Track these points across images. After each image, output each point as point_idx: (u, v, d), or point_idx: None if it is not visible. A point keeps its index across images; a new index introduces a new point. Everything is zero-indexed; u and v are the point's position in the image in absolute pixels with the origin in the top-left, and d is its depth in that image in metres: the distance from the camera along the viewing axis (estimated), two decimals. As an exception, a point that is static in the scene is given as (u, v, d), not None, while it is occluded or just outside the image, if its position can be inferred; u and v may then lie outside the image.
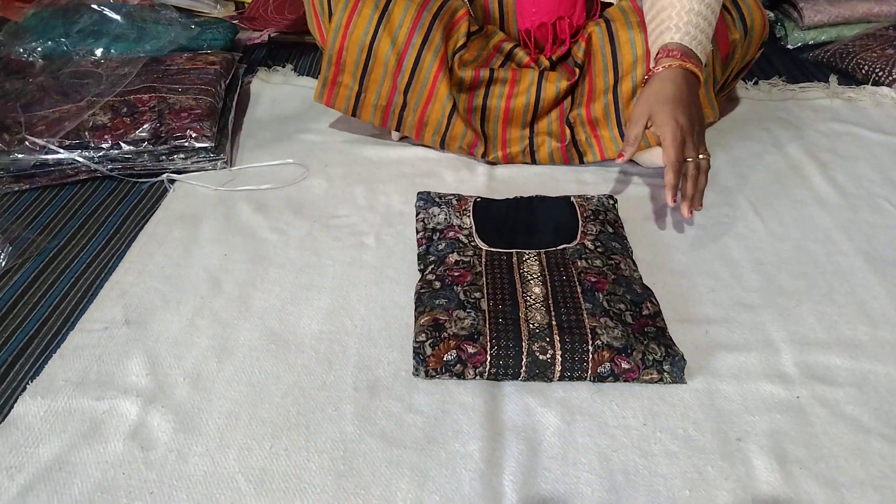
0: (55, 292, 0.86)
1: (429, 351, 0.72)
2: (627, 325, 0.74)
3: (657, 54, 0.91)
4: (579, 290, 0.78)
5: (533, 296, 0.77)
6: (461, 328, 0.74)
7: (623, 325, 0.74)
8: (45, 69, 1.19)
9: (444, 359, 0.72)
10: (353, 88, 1.05)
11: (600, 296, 0.77)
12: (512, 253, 0.84)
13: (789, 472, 0.64)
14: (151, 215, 0.99)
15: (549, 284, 0.79)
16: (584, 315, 0.74)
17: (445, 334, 0.73)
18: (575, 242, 0.85)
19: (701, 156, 0.88)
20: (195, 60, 1.23)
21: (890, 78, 1.29)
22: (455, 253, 0.84)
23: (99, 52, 1.26)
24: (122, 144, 1.05)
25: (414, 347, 0.73)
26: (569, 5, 1.07)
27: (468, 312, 0.75)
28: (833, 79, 1.33)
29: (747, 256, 0.90)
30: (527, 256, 0.83)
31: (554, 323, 0.74)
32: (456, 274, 0.81)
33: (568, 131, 1.06)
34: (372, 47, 1.02)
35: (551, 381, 0.72)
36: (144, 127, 1.06)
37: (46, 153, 1.03)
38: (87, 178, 1.07)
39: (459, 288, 0.78)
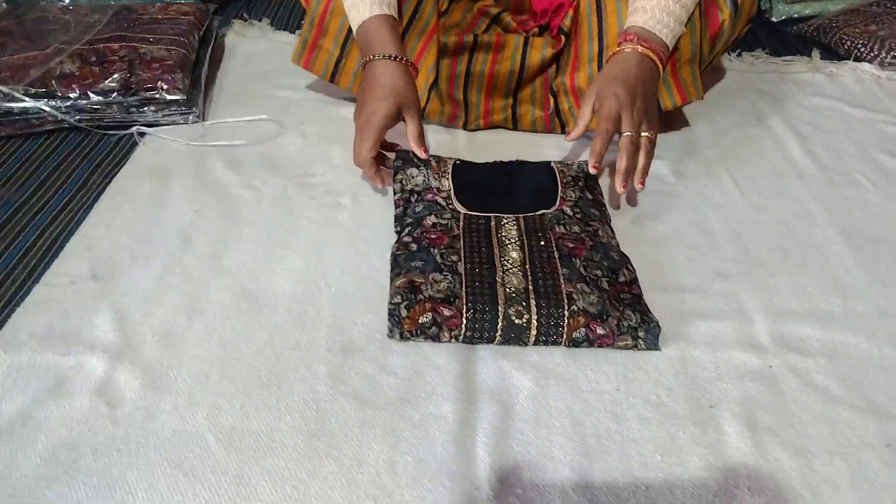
0: (19, 245, 0.83)
1: (404, 313, 0.71)
2: (604, 290, 0.74)
3: (619, 37, 0.90)
4: (556, 256, 0.77)
5: (510, 260, 0.77)
6: (437, 291, 0.73)
7: (599, 290, 0.73)
8: (9, 14, 1.15)
9: (420, 321, 0.71)
10: (333, 53, 1.02)
11: (577, 261, 0.76)
12: (490, 217, 0.83)
13: (759, 439, 0.65)
14: (120, 169, 0.97)
15: (526, 249, 0.78)
16: (561, 280, 0.74)
17: (421, 296, 0.72)
18: (554, 208, 0.84)
19: (643, 133, 0.84)
20: (168, 10, 1.19)
21: (871, 54, 1.29)
22: (433, 215, 0.83)
23: (67, -2, 1.22)
24: (91, 94, 1.01)
25: (389, 309, 0.72)
26: None
27: (444, 275, 0.74)
28: (816, 53, 1.33)
29: (725, 227, 0.90)
30: (505, 221, 0.82)
31: (530, 287, 0.73)
32: (433, 236, 0.79)
33: (552, 100, 1.05)
34: None
35: (526, 345, 0.72)
36: (114, 77, 1.02)
37: (10, 101, 0.99)
38: (53, 129, 1.03)
39: (436, 251, 0.77)
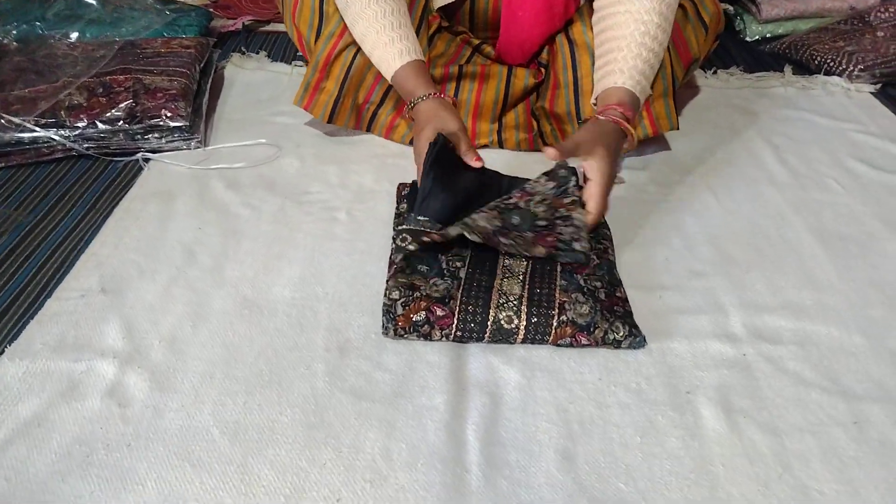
0: (32, 263, 0.88)
1: (399, 310, 0.75)
2: (598, 300, 0.77)
3: (609, 101, 0.89)
4: (559, 270, 0.80)
5: (513, 266, 0.80)
6: (434, 291, 0.77)
7: (594, 300, 0.77)
8: (20, 51, 1.21)
9: (413, 319, 0.75)
10: (333, 94, 1.07)
11: (579, 277, 0.80)
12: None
13: (734, 420, 0.69)
14: (127, 192, 1.01)
15: (530, 264, 0.81)
16: (557, 289, 0.78)
17: (417, 294, 0.76)
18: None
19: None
20: (170, 44, 1.25)
21: (840, 68, 1.36)
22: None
23: (74, 35, 1.28)
24: (98, 123, 1.07)
25: (385, 305, 0.76)
26: (555, 22, 1.07)
27: (445, 279, 0.78)
28: (788, 69, 1.39)
29: (701, 230, 0.95)
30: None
31: (525, 295, 0.77)
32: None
33: (534, 123, 1.11)
34: (358, 53, 1.05)
35: (513, 343, 0.76)
36: (120, 106, 1.08)
37: (22, 131, 1.05)
38: (62, 157, 1.09)
39: (443, 257, 0.81)
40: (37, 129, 1.05)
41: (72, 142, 1.06)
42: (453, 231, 0.78)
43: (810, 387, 0.72)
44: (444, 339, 0.76)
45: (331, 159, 1.09)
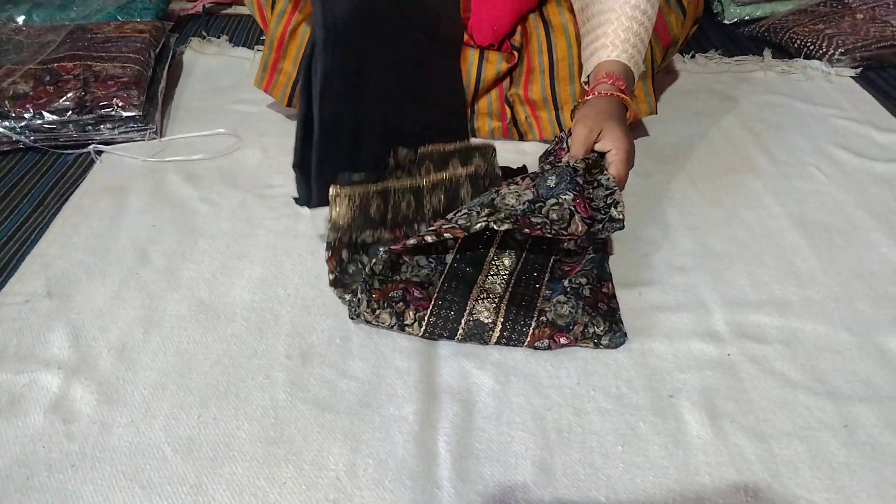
0: (-28, 265, 0.82)
1: (377, 284, 0.72)
2: (581, 297, 0.74)
3: (598, 75, 0.85)
4: (546, 279, 0.77)
5: (501, 266, 0.77)
6: (415, 275, 0.73)
7: (577, 298, 0.73)
8: (-40, 37, 1.13)
9: (390, 294, 0.72)
10: (291, 75, 1.02)
11: (565, 282, 0.76)
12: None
13: (720, 426, 0.65)
14: (77, 187, 0.96)
15: (521, 261, 0.78)
16: (539, 299, 0.74)
17: (398, 276, 0.73)
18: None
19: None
20: (123, 29, 1.18)
21: (821, 51, 1.32)
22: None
23: (20, 19, 1.21)
24: (45, 114, 1.01)
25: (364, 276, 0.72)
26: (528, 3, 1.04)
27: (429, 262, 0.75)
28: (767, 52, 1.35)
29: (681, 222, 0.91)
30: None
31: (507, 296, 0.73)
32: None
33: (508, 110, 1.06)
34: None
35: (487, 344, 0.72)
36: (68, 95, 1.01)
37: (-38, 123, 0.98)
38: (8, 150, 1.02)
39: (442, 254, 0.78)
40: (-21, 120, 0.99)
41: (17, 134, 1.00)
42: (477, 223, 0.71)
43: (797, 388, 0.69)
44: (416, 323, 0.71)
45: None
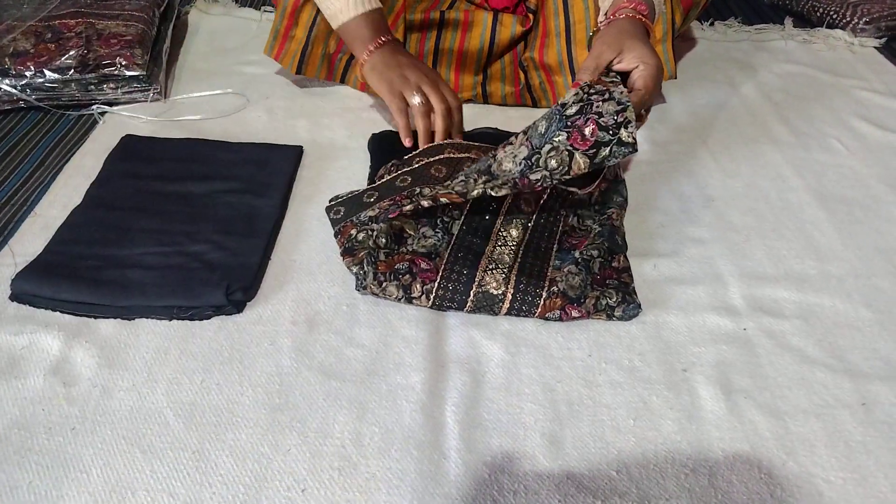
0: (-29, 225, 0.80)
1: (382, 257, 0.71)
2: (591, 273, 0.72)
3: (620, 2, 0.81)
4: (555, 249, 0.75)
5: (508, 237, 0.75)
6: (422, 246, 0.72)
7: (587, 272, 0.71)
8: (-40, -9, 1.11)
9: (396, 266, 0.70)
10: (301, 42, 0.99)
11: (576, 253, 0.74)
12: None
13: (734, 401, 0.64)
14: (79, 147, 0.93)
15: (528, 231, 0.76)
16: (549, 268, 0.72)
17: (404, 249, 0.72)
18: (588, 189, 0.77)
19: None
20: (127, -14, 1.15)
21: (844, 21, 1.28)
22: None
23: (21, -25, 1.17)
24: (47, 72, 0.98)
25: (367, 251, 0.71)
26: None
27: (436, 232, 0.73)
28: (788, 21, 1.32)
29: (698, 193, 0.89)
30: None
31: (516, 265, 0.72)
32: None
33: (522, 75, 1.03)
34: None
35: (497, 315, 0.70)
36: (71, 53, 0.99)
37: (-38, 80, 0.96)
38: (9, 109, 1.00)
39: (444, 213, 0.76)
40: (-21, 77, 0.97)
41: (20, 91, 0.98)
42: (474, 190, 0.69)
43: (814, 365, 0.67)
44: (424, 296, 0.70)
45: (301, 112, 1.02)
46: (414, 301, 0.70)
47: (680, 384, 0.65)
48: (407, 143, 0.89)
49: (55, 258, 0.73)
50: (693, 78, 1.14)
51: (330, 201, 0.82)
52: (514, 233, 0.75)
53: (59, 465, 0.57)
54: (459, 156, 0.82)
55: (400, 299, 0.70)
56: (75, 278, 0.70)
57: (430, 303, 0.70)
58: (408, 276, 0.70)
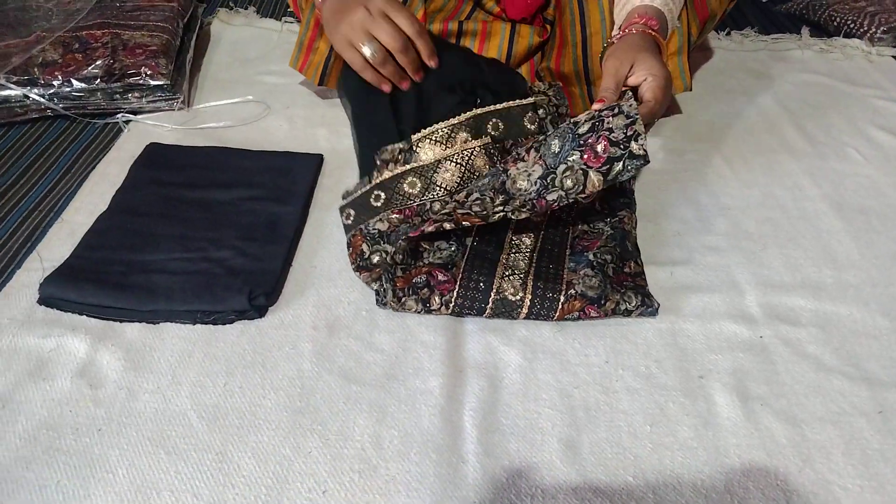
0: (1, 231, 0.82)
1: (399, 273, 0.71)
2: (608, 276, 0.72)
3: (630, 19, 0.83)
4: (568, 253, 0.76)
5: (521, 245, 0.76)
6: (438, 258, 0.73)
7: (603, 275, 0.72)
8: (-10, 3, 1.13)
9: (414, 280, 0.71)
10: (325, 54, 1.00)
11: (589, 254, 0.74)
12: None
13: (751, 408, 0.64)
14: (104, 155, 0.95)
15: (540, 239, 0.77)
16: (565, 271, 0.73)
17: (420, 263, 0.72)
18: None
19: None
20: (152, -2, 1.18)
21: (861, 30, 1.29)
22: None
23: (49, -13, 1.20)
24: (74, 81, 1.00)
25: (384, 268, 0.72)
26: None
27: (450, 244, 0.74)
28: (805, 30, 1.32)
29: (714, 201, 0.89)
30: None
31: (531, 271, 0.72)
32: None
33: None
34: None
35: (516, 319, 0.71)
36: (97, 63, 1.01)
37: (-8, 89, 0.98)
38: (37, 117, 1.02)
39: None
40: (10, 85, 0.99)
41: (47, 100, 1.00)
42: (494, 214, 0.70)
43: (831, 372, 0.68)
44: (443, 307, 0.71)
45: (321, 121, 1.03)
46: (433, 312, 0.71)
47: (696, 391, 0.66)
48: (385, 89, 0.84)
49: (82, 263, 0.75)
50: (709, 87, 1.15)
51: (343, 197, 0.82)
52: (526, 241, 0.76)
53: (86, 465, 0.58)
54: (468, 149, 0.80)
55: (420, 312, 0.71)
56: (101, 283, 0.71)
57: (450, 311, 0.71)
58: (426, 289, 0.71)
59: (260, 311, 0.71)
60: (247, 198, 0.84)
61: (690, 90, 0.99)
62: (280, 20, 1.33)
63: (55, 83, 1.00)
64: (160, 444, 0.60)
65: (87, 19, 1.09)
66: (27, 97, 0.99)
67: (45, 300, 0.72)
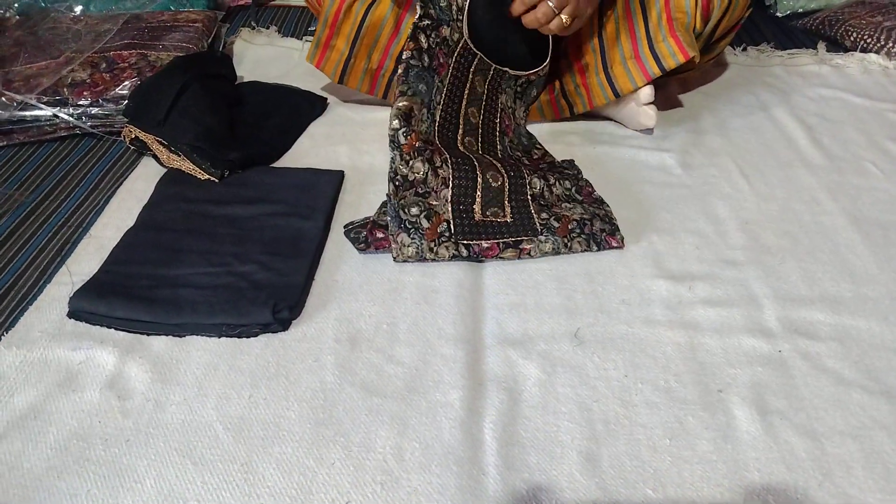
0: (32, 246, 0.84)
1: (402, 140, 0.80)
2: (577, 202, 0.87)
3: None
4: (498, 130, 0.95)
5: (475, 94, 0.93)
6: (420, 130, 0.84)
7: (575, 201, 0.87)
8: (21, 25, 1.17)
9: (416, 145, 0.81)
10: (344, 53, 1.03)
11: (505, 139, 0.94)
12: (477, 55, 0.92)
13: (770, 422, 0.64)
14: (131, 172, 0.98)
15: (486, 97, 0.94)
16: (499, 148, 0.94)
17: (413, 129, 0.81)
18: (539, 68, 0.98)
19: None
20: (177, 18, 1.21)
21: (878, 45, 1.29)
22: (449, 28, 0.89)
23: (78, 8, 1.24)
24: (102, 101, 1.03)
25: (389, 134, 0.80)
26: None
27: (427, 117, 0.85)
28: (821, 46, 1.32)
29: (732, 216, 0.90)
30: (482, 65, 0.94)
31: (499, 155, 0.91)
32: (440, 60, 0.87)
33: (557, 83, 1.05)
34: (370, 9, 1.00)
35: (504, 235, 0.81)
36: (125, 84, 1.04)
37: (24, 109, 1.01)
38: (66, 136, 1.05)
39: (436, 79, 0.87)
40: (41, 105, 1.02)
41: (76, 119, 1.03)
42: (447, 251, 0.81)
43: (851, 386, 0.68)
44: (443, 165, 0.82)
45: (342, 139, 1.05)
46: (438, 172, 0.82)
47: (715, 405, 0.66)
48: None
49: (110, 277, 0.77)
50: (725, 102, 1.16)
51: (345, 226, 0.87)
52: (479, 89, 0.93)
53: (114, 475, 0.60)
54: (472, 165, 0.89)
55: (426, 175, 0.81)
56: (129, 297, 0.73)
57: (451, 193, 0.81)
58: (427, 151, 0.81)
59: (283, 325, 0.73)
60: (270, 213, 0.86)
61: (697, 58, 0.97)
62: (301, 38, 1.36)
63: (83, 103, 1.03)
64: (187, 455, 0.61)
65: (115, 40, 1.13)
66: (57, 116, 1.02)
67: (74, 313, 0.74)
